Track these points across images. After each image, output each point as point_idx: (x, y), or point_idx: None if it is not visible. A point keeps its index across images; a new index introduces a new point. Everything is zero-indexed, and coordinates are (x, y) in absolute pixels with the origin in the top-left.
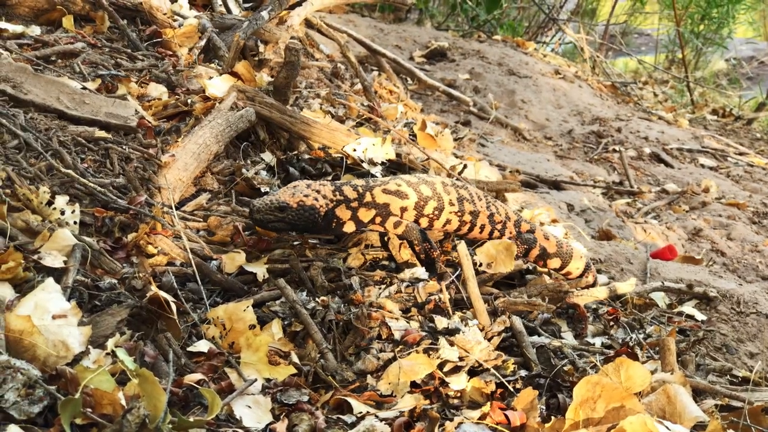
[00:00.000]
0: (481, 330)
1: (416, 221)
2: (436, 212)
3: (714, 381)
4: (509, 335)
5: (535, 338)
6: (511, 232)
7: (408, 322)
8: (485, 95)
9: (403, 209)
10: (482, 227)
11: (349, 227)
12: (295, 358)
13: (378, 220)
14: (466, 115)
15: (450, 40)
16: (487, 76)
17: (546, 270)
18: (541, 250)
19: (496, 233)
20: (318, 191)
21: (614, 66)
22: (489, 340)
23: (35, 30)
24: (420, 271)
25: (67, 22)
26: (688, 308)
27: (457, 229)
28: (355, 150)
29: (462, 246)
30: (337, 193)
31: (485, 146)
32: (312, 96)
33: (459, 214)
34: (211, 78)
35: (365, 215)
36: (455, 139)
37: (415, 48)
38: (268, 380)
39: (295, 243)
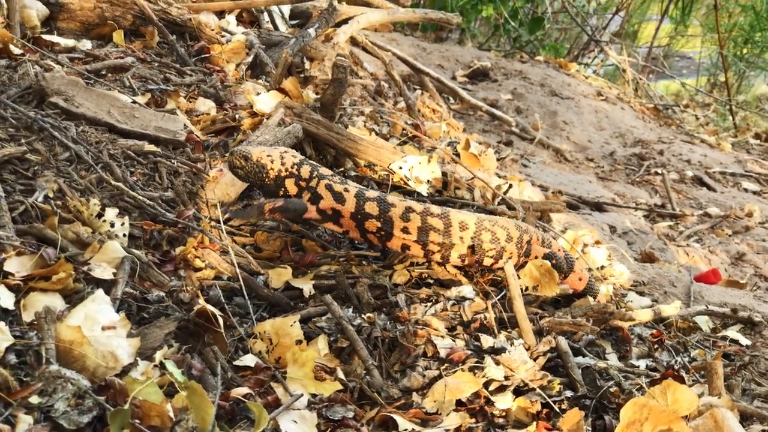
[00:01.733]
0: (527, 350)
1: (362, 235)
2: (382, 233)
3: (760, 406)
4: (554, 355)
5: (580, 359)
6: (512, 253)
7: (453, 340)
8: (527, 116)
9: (336, 211)
10: (462, 258)
11: None
12: (341, 374)
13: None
14: (508, 135)
15: (492, 60)
16: (529, 97)
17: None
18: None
19: (488, 260)
20: (282, 158)
21: (655, 89)
22: (534, 359)
23: (86, 44)
24: (466, 290)
25: (118, 36)
26: (733, 333)
27: (426, 258)
28: (401, 168)
29: (509, 266)
30: (295, 167)
31: (527, 167)
32: (356, 113)
33: (421, 244)
34: (258, 94)
35: (305, 198)
36: (497, 159)
37: (458, 67)
38: (314, 396)
39: (341, 259)
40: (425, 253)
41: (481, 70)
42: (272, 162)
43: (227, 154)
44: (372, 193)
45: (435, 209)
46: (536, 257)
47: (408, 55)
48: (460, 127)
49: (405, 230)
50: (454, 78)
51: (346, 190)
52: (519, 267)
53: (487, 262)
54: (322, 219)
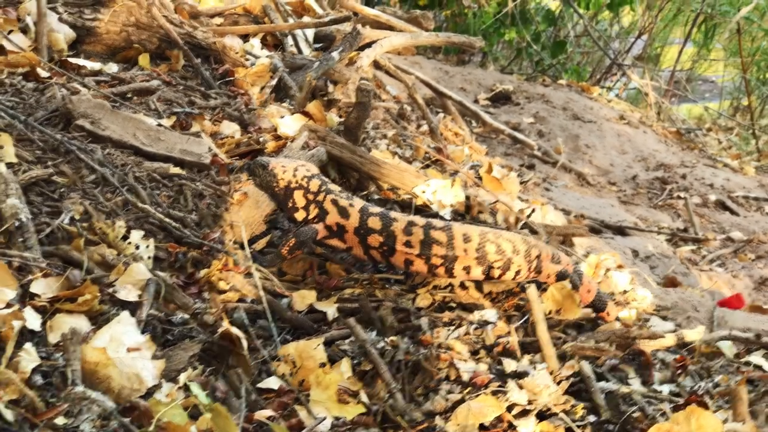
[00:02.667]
0: (550, 374)
1: (366, 252)
2: (385, 248)
3: None
4: (578, 380)
5: (603, 384)
6: (520, 266)
7: (476, 364)
8: (549, 139)
9: (340, 226)
10: (467, 269)
11: (300, 215)
12: (364, 398)
13: (316, 220)
14: (530, 159)
15: (515, 84)
16: (552, 120)
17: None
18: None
19: (495, 271)
20: (295, 169)
21: (678, 112)
22: (558, 384)
23: (112, 67)
24: (489, 314)
25: (143, 60)
26: (757, 358)
27: (430, 272)
28: (424, 192)
29: (532, 289)
30: (305, 179)
31: (550, 190)
32: (379, 136)
33: (424, 258)
34: (282, 117)
35: (312, 211)
36: (520, 183)
37: (480, 90)
38: (337, 419)
39: (365, 282)
40: (429, 268)
41: (504, 94)
42: (284, 172)
43: (252, 162)
44: (375, 209)
45: (438, 223)
46: (548, 275)
47: (430, 79)
48: (483, 150)
49: (408, 244)
50: (476, 101)
51: (351, 205)
52: (529, 282)
53: (495, 273)
54: (328, 235)
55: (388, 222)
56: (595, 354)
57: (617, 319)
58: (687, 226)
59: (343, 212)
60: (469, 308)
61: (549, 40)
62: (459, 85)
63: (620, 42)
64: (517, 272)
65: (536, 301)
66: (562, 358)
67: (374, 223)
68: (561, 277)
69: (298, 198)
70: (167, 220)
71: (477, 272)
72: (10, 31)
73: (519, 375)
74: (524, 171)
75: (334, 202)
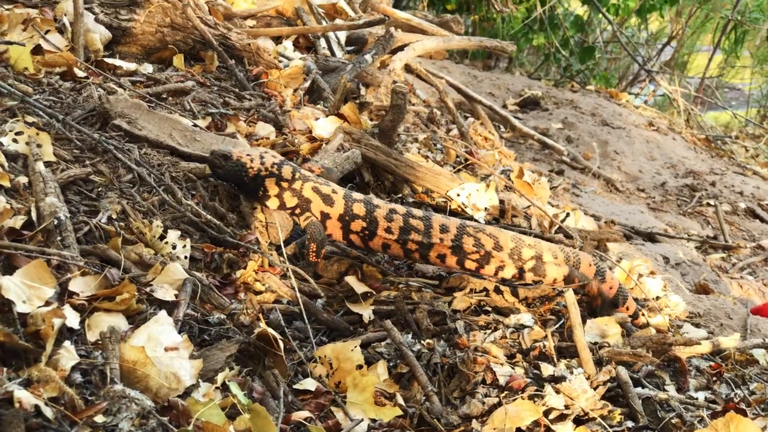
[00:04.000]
0: (587, 379)
1: (345, 236)
2: (366, 233)
3: None
4: (614, 385)
5: (639, 389)
6: (503, 262)
7: (513, 368)
8: (578, 145)
9: (324, 214)
10: (442, 257)
11: (273, 203)
12: (400, 400)
13: (297, 211)
14: (558, 164)
15: (543, 89)
16: (580, 126)
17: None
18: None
19: (471, 263)
20: (262, 157)
21: (705, 119)
22: (594, 389)
23: (147, 68)
24: (525, 318)
25: (178, 61)
26: None
27: (406, 257)
28: (459, 195)
29: (569, 294)
30: (275, 167)
31: (579, 196)
32: (410, 140)
33: (400, 243)
34: (317, 119)
35: (289, 200)
36: (549, 188)
37: (509, 96)
38: (373, 421)
39: (401, 285)
40: (405, 252)
41: (532, 99)
42: (252, 161)
43: (211, 154)
44: (357, 195)
45: (417, 212)
46: (555, 280)
47: (459, 83)
48: (512, 155)
49: (388, 230)
50: (504, 106)
51: (334, 191)
52: (516, 279)
53: (469, 265)
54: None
55: (371, 208)
56: (631, 359)
57: (647, 324)
58: (717, 234)
59: (327, 199)
60: (505, 312)
61: (577, 45)
62: (487, 90)
63: (647, 48)
64: (500, 267)
65: (573, 306)
66: (599, 363)
67: (359, 209)
68: (568, 280)
69: (270, 186)
70: (204, 220)
71: (451, 261)
72: (47, 31)
73: (556, 379)
74: (553, 176)
75: (316, 190)
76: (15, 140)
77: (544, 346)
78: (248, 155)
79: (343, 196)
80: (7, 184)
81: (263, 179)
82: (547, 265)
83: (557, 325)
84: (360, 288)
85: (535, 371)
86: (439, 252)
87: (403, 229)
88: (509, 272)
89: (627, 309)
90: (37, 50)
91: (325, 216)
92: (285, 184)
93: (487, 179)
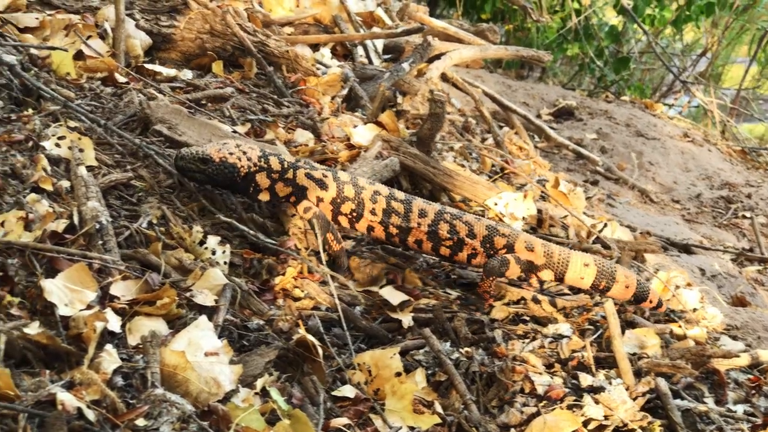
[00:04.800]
0: (626, 389)
1: (334, 218)
2: (354, 215)
3: None
4: (654, 396)
5: (678, 401)
6: (475, 250)
7: (551, 378)
8: (612, 155)
9: (319, 199)
10: (419, 243)
11: (264, 196)
12: (438, 408)
13: (293, 199)
14: (593, 175)
15: (578, 99)
16: (615, 137)
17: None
18: (525, 265)
19: (445, 250)
20: (245, 152)
21: (741, 131)
22: (634, 400)
23: (187, 74)
24: (564, 328)
25: (217, 67)
26: None
27: (388, 240)
28: (496, 204)
29: (609, 304)
30: (262, 159)
31: (613, 206)
32: (446, 149)
33: (383, 225)
34: (355, 126)
35: (282, 190)
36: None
37: (543, 105)
38: (412, 429)
39: (441, 293)
40: (386, 236)
41: (567, 109)
42: (239, 160)
43: (174, 162)
44: (343, 175)
45: (399, 194)
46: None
47: (494, 92)
48: (547, 165)
49: (373, 212)
50: (539, 116)
51: (324, 175)
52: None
53: (443, 251)
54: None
55: (358, 190)
56: (671, 371)
57: (686, 337)
58: (753, 246)
59: (321, 184)
60: (543, 322)
61: (611, 56)
62: (521, 100)
63: (681, 59)
64: (472, 255)
65: (613, 316)
66: (638, 374)
67: (349, 191)
68: (526, 268)
69: (261, 180)
70: (242, 226)
71: (427, 247)
72: (89, 37)
73: (595, 390)
74: (588, 187)
75: (310, 176)
76: (57, 145)
77: (583, 356)
78: (231, 153)
79: (333, 179)
80: (49, 188)
81: (254, 175)
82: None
83: (595, 335)
84: (397, 298)
85: (574, 381)
86: (416, 237)
87: (385, 212)
88: (479, 258)
89: (651, 302)
90: (79, 56)
91: (318, 200)
92: (275, 175)
93: (523, 188)
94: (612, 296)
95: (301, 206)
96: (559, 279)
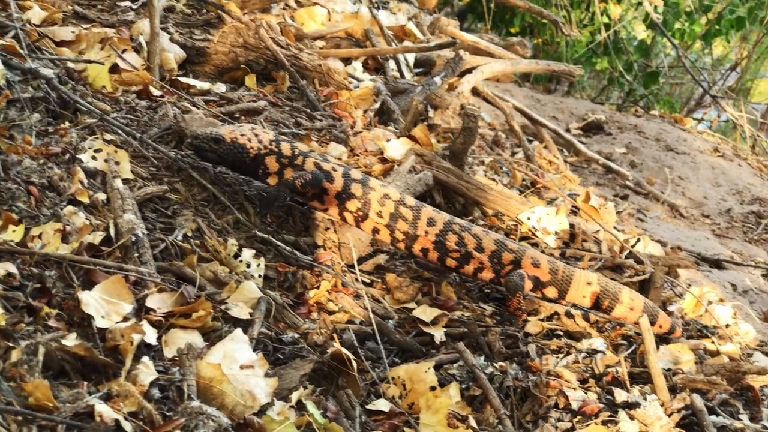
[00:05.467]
0: (661, 406)
1: (340, 214)
2: (360, 214)
3: None
4: (689, 413)
5: (714, 418)
6: (482, 264)
7: (586, 393)
8: (641, 170)
9: (323, 190)
10: (425, 251)
11: (273, 180)
12: (473, 423)
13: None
14: (622, 189)
15: (607, 114)
16: (644, 151)
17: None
18: (533, 281)
19: (451, 261)
20: (257, 135)
21: None
22: (669, 416)
23: (220, 87)
24: (598, 343)
25: (250, 80)
26: None
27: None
28: (529, 218)
29: (644, 320)
30: (273, 143)
31: (643, 221)
32: (477, 163)
33: (389, 229)
34: (388, 140)
35: (289, 175)
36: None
37: (572, 119)
38: None
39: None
40: (392, 240)
41: (596, 123)
42: (250, 141)
43: (189, 141)
44: (356, 174)
45: (410, 200)
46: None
47: (523, 106)
48: (576, 179)
49: (379, 214)
50: (567, 130)
51: (334, 169)
52: (492, 282)
53: (450, 263)
54: (310, 197)
55: (366, 190)
56: (706, 387)
57: (719, 353)
58: None
59: (328, 176)
60: (576, 337)
61: (640, 70)
62: (550, 114)
63: (710, 73)
64: (479, 268)
65: (648, 331)
66: (673, 390)
67: (356, 189)
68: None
69: (270, 163)
70: (276, 241)
71: (434, 257)
72: (124, 50)
73: (630, 405)
74: (618, 201)
75: (318, 166)
76: (94, 157)
77: (617, 372)
78: (242, 135)
79: (342, 174)
80: (86, 200)
81: (263, 157)
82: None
83: (629, 351)
84: (429, 315)
85: (608, 397)
86: (422, 245)
87: (392, 216)
88: (486, 274)
89: (660, 327)
90: (114, 69)
91: (323, 191)
92: (285, 161)
93: (554, 203)
94: (616, 317)
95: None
96: (561, 296)
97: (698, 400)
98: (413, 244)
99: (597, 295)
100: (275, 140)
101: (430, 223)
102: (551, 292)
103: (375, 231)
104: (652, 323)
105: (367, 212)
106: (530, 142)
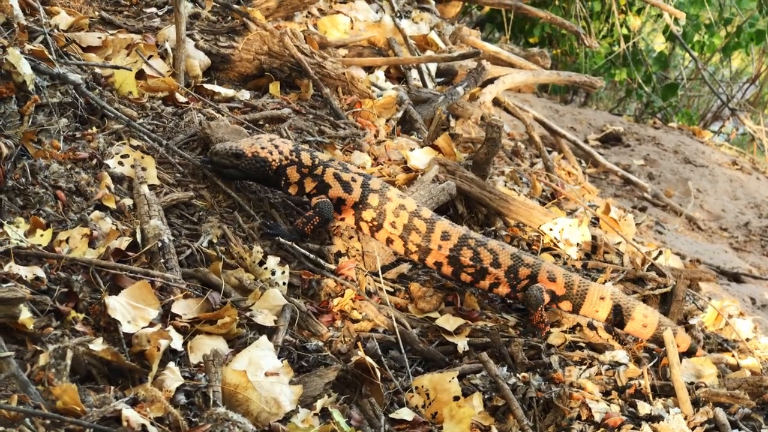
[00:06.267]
0: (685, 419)
1: (356, 223)
2: (375, 224)
3: None
4: (712, 427)
5: None
6: (498, 279)
7: (608, 405)
8: (659, 182)
9: (340, 200)
10: (438, 265)
11: (293, 190)
12: None
13: (313, 192)
14: (640, 201)
15: (625, 125)
16: (662, 163)
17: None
18: (550, 295)
19: (466, 276)
20: (277, 146)
21: None
22: (692, 429)
23: (245, 94)
24: (620, 355)
25: (274, 88)
26: None
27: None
28: (551, 230)
29: (668, 333)
30: (294, 154)
31: (662, 233)
32: (497, 173)
33: (402, 240)
34: (412, 150)
35: (308, 185)
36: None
37: (590, 131)
38: None
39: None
40: (405, 251)
41: (614, 135)
42: (271, 154)
43: (209, 157)
44: (376, 183)
45: (426, 212)
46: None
47: (542, 117)
48: (595, 190)
49: (393, 225)
50: (586, 141)
51: (353, 179)
52: (508, 297)
53: (464, 277)
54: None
55: (383, 200)
56: (729, 401)
57: (739, 367)
58: None
59: (347, 187)
60: (599, 349)
61: (659, 82)
62: (569, 124)
63: (728, 86)
64: (495, 284)
65: (671, 345)
66: (696, 403)
67: (373, 200)
68: (553, 299)
69: (292, 174)
70: (299, 248)
71: (448, 271)
72: (150, 57)
73: (653, 418)
74: (637, 213)
75: (337, 177)
76: (121, 163)
77: (640, 384)
78: (263, 148)
79: (361, 185)
80: (113, 205)
81: (285, 168)
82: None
83: (651, 363)
84: (453, 325)
85: (631, 409)
86: (436, 259)
87: (406, 227)
88: (502, 289)
89: (678, 346)
90: (140, 75)
91: (341, 201)
92: (305, 170)
93: (573, 214)
94: (629, 332)
95: (315, 198)
96: (575, 311)
97: (721, 414)
98: (426, 257)
99: (610, 310)
100: (295, 150)
101: (444, 237)
102: (566, 305)
103: (389, 241)
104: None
105: (381, 222)
106: (549, 152)
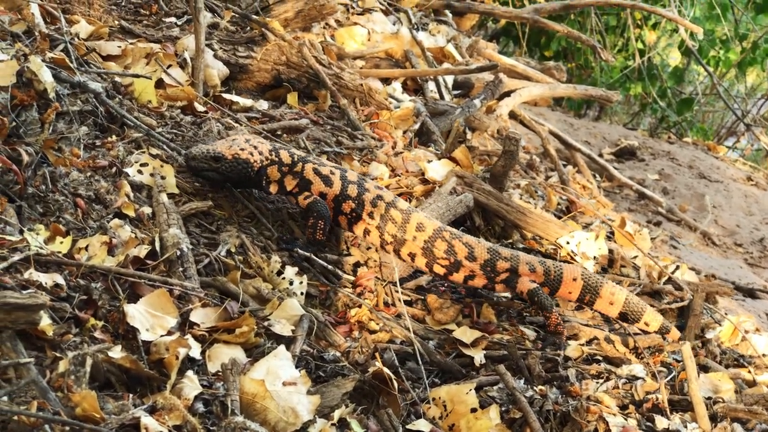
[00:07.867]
0: None
1: (334, 218)
2: (353, 215)
3: None
4: None
5: None
6: (473, 272)
7: (626, 419)
8: (674, 197)
9: (322, 194)
10: (412, 256)
11: (274, 188)
12: None
13: (295, 190)
14: (655, 216)
15: (640, 140)
16: (677, 178)
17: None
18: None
19: (439, 269)
20: (255, 147)
21: None
22: None
23: (262, 104)
24: (638, 369)
25: (292, 98)
26: None
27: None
28: (568, 243)
29: (686, 347)
30: (273, 153)
31: (676, 248)
32: (512, 186)
33: (379, 230)
34: (429, 161)
35: (289, 183)
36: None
37: (605, 145)
38: None
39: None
40: (381, 243)
41: (629, 149)
42: (252, 155)
43: (185, 162)
44: (352, 175)
45: (402, 204)
46: (521, 291)
47: (557, 130)
48: (610, 204)
49: (371, 215)
50: (600, 155)
51: (332, 173)
52: (486, 288)
53: (438, 270)
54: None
55: (361, 191)
56: (747, 416)
57: (755, 383)
58: None
59: (327, 181)
60: (616, 362)
61: (674, 96)
62: (583, 138)
63: (742, 101)
64: (469, 276)
65: (690, 359)
66: (713, 418)
67: (352, 190)
68: (530, 295)
69: (272, 173)
70: (317, 259)
71: (421, 262)
72: (169, 66)
73: None
74: (652, 228)
75: (317, 172)
76: (140, 171)
77: (657, 398)
78: (242, 149)
79: (340, 177)
80: (132, 213)
81: (266, 169)
82: (521, 278)
83: (668, 377)
84: (470, 337)
85: (648, 423)
86: (410, 250)
87: (382, 217)
88: (477, 281)
89: (647, 324)
90: (159, 84)
91: (322, 196)
92: (285, 169)
93: (588, 227)
94: (597, 310)
95: (301, 196)
96: (552, 294)
97: (739, 430)
98: (401, 248)
99: (581, 290)
100: (273, 149)
101: (419, 228)
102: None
103: (366, 232)
104: (636, 319)
105: (360, 213)
106: (564, 166)
